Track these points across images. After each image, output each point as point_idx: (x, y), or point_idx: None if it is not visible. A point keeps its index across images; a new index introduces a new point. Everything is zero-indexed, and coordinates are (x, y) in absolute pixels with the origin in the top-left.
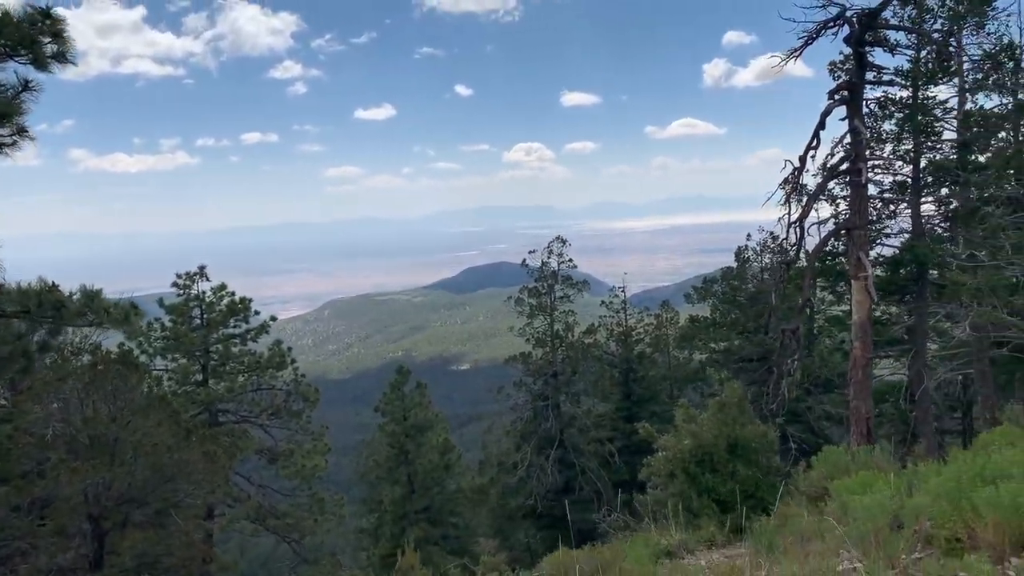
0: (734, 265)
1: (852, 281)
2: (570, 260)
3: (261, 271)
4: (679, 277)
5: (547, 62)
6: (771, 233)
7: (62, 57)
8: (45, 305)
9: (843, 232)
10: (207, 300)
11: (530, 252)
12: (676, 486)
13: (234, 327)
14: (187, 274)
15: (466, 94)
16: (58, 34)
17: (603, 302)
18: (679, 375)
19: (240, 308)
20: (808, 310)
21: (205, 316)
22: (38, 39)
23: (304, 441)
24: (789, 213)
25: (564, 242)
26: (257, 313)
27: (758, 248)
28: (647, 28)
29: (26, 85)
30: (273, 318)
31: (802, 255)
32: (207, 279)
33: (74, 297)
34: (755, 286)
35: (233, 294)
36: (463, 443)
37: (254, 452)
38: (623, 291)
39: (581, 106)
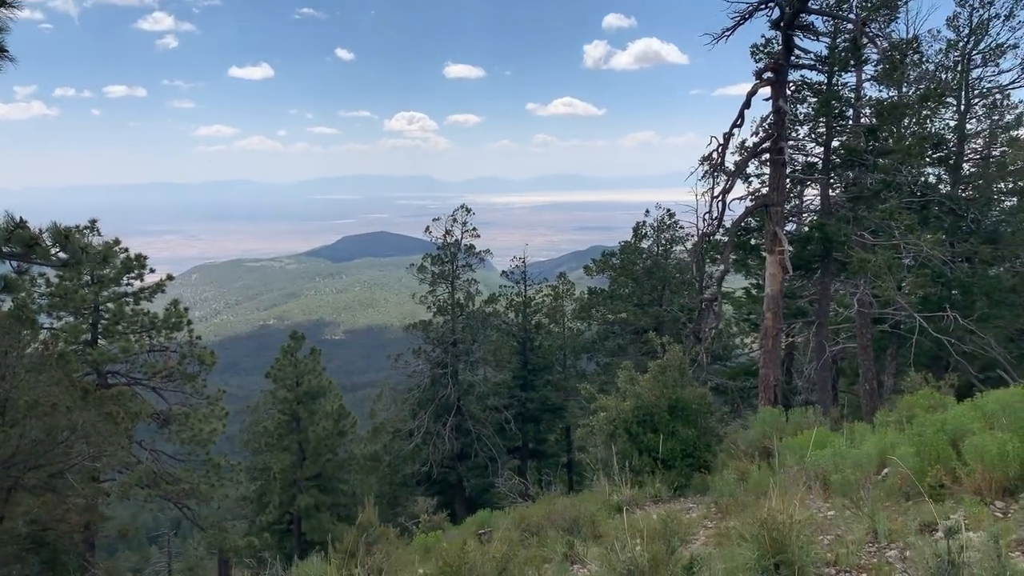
0: (628, 240)
1: (767, 255)
2: (474, 229)
3: (123, 231)
4: (556, 253)
5: (431, 32)
6: (668, 210)
7: None
8: (15, 241)
9: (758, 208)
10: (98, 256)
11: (434, 220)
12: (619, 445)
13: (127, 285)
14: (76, 228)
15: (347, 58)
16: None
17: (503, 272)
18: (575, 345)
19: (135, 265)
20: (697, 284)
21: (95, 273)
22: None
23: (200, 405)
24: (712, 187)
25: (469, 211)
26: (152, 271)
27: (655, 224)
28: (531, 5)
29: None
30: (170, 277)
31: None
32: (99, 234)
33: (44, 236)
34: (651, 260)
35: (127, 250)
36: None
37: (147, 416)
38: (523, 261)
39: (465, 78)
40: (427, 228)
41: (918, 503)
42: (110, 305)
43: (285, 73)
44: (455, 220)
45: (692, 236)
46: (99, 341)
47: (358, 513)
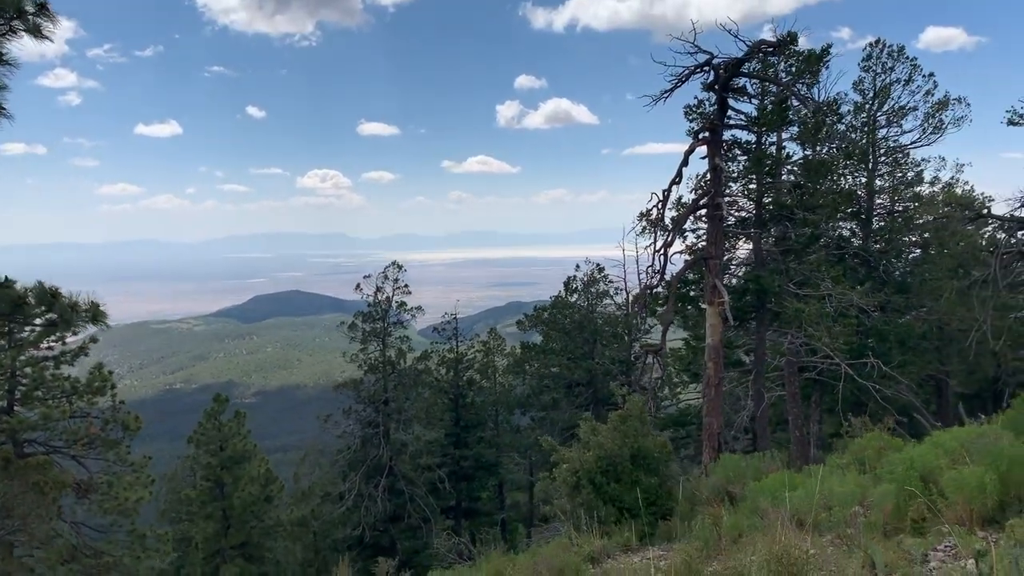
0: (559, 294)
1: (707, 307)
2: (405, 286)
3: None
4: (473, 309)
5: (345, 90)
6: (597, 265)
7: (37, 31)
8: (3, 301)
9: (697, 261)
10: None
11: (365, 276)
12: (583, 496)
13: (47, 348)
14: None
15: (259, 116)
16: (42, 5)
17: (435, 328)
18: (507, 400)
19: (96, 316)
20: (627, 337)
21: (14, 336)
22: (24, 8)
23: (123, 472)
24: (654, 241)
25: (400, 267)
26: (75, 333)
27: (585, 279)
28: (444, 65)
29: (0, 58)
30: (94, 340)
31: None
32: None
33: (29, 297)
34: (580, 314)
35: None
36: None
37: (68, 486)
38: (455, 318)
39: (379, 136)
40: (357, 285)
41: (902, 537)
42: (28, 370)
43: (194, 131)
44: (386, 277)
45: (620, 290)
46: (15, 408)
47: None
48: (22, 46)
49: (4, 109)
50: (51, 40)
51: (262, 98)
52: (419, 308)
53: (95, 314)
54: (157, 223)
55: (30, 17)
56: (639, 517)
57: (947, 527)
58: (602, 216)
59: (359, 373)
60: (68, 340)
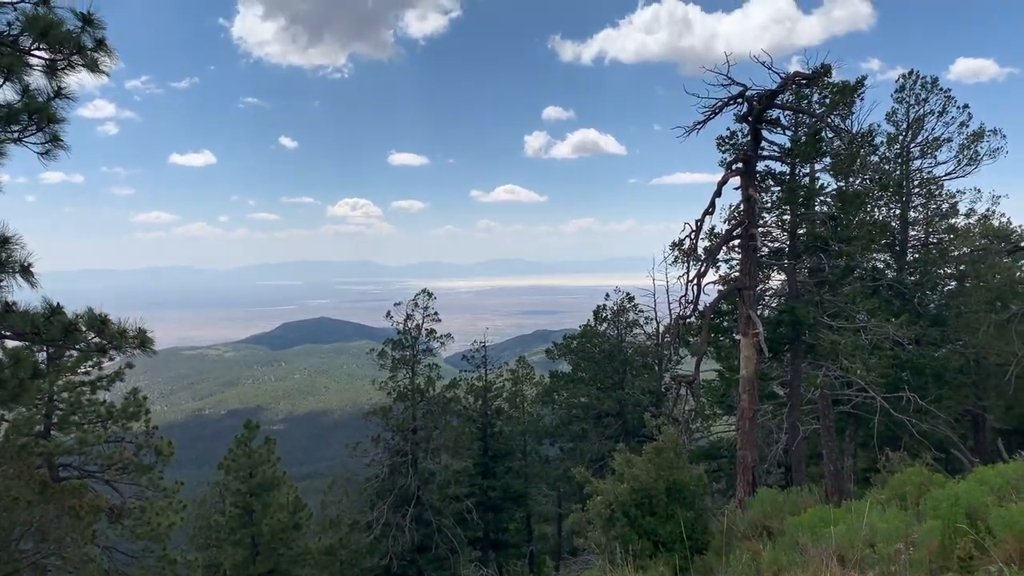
0: (587, 323)
1: (742, 338)
2: (435, 313)
3: None
4: (500, 337)
5: (376, 121)
6: (627, 294)
7: (94, 66)
8: (55, 327)
9: (730, 292)
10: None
11: (395, 304)
12: (617, 529)
13: (83, 374)
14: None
15: (291, 146)
16: (101, 41)
17: (463, 356)
18: (536, 430)
19: (144, 343)
20: (657, 367)
21: (55, 362)
22: (84, 44)
23: (156, 497)
24: (687, 271)
25: (430, 295)
26: (112, 359)
27: (615, 308)
28: (474, 97)
29: (59, 92)
30: (130, 365)
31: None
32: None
33: (80, 322)
34: (609, 344)
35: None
36: None
37: (103, 510)
38: (484, 346)
39: (409, 166)
40: (388, 313)
41: (949, 575)
42: (65, 395)
43: (227, 160)
44: (416, 304)
45: (651, 320)
46: (51, 432)
47: None
48: (79, 80)
49: (61, 140)
50: (107, 75)
51: (294, 128)
52: (448, 336)
53: (142, 340)
54: (190, 250)
55: (88, 52)
56: (674, 551)
57: (995, 566)
58: (630, 245)
59: (387, 400)
60: (104, 366)
